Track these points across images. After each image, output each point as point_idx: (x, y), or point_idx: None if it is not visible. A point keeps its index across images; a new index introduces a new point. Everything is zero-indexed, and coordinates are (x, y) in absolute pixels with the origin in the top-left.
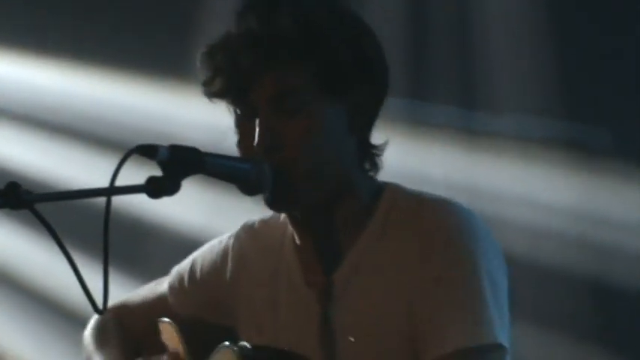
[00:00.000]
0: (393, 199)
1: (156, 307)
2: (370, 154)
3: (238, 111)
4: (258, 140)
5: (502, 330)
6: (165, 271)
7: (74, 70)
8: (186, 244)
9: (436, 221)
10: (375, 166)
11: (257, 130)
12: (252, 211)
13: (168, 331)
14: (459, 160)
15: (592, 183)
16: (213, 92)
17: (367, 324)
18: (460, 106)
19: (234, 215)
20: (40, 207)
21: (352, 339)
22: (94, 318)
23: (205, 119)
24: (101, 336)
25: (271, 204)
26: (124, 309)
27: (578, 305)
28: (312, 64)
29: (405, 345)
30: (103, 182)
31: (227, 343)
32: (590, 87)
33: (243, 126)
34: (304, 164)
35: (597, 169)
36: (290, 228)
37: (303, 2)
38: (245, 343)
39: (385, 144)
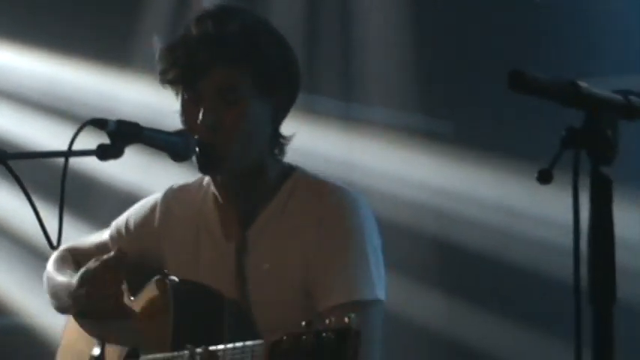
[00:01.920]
0: (298, 179)
1: (100, 251)
2: (280, 143)
3: (186, 96)
4: (203, 120)
5: (380, 287)
6: (106, 218)
7: (39, 54)
8: (125, 198)
9: (330, 201)
10: (283, 152)
11: (202, 112)
12: (177, 174)
13: None
14: (339, 142)
15: (439, 163)
16: (168, 80)
17: (272, 273)
18: (340, 99)
19: (163, 177)
20: (12, 163)
21: (267, 265)
22: (54, 253)
23: (144, 98)
24: (60, 262)
25: (202, 169)
26: (74, 250)
27: (423, 255)
28: (251, 67)
29: (299, 295)
30: (63, 146)
31: (158, 276)
32: (440, 87)
33: (188, 108)
34: (234, 143)
35: (443, 152)
36: (211, 190)
37: (248, 18)
38: (173, 277)
39: (292, 136)
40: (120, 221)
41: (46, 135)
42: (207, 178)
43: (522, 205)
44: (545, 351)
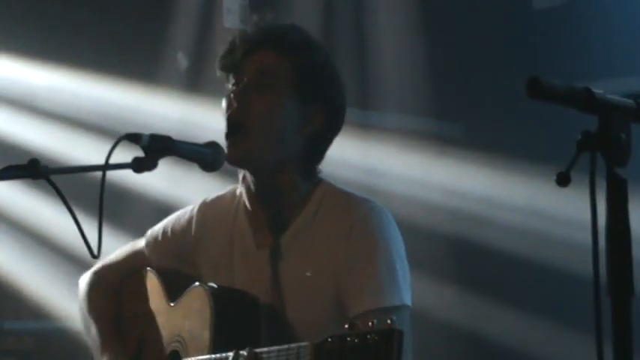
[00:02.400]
0: (326, 190)
1: (135, 259)
2: (314, 159)
3: (232, 82)
4: (235, 96)
5: (407, 294)
6: (141, 226)
7: (74, 74)
8: (158, 207)
9: (358, 212)
10: (313, 173)
11: (237, 89)
12: (207, 183)
13: (149, 277)
14: (357, 148)
15: (452, 165)
16: (222, 65)
17: (306, 279)
18: (357, 107)
19: (195, 187)
20: (53, 178)
21: (302, 271)
22: (87, 276)
23: (174, 112)
24: (90, 299)
25: (230, 159)
26: (102, 270)
27: (438, 253)
28: (295, 61)
29: (331, 302)
30: (100, 160)
31: (197, 283)
32: (450, 92)
33: (232, 93)
34: (257, 129)
35: (454, 154)
36: (242, 201)
37: (296, 27)
38: (212, 284)
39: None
40: (156, 230)
41: (84, 150)
42: (239, 189)
43: (535, 204)
44: (563, 342)
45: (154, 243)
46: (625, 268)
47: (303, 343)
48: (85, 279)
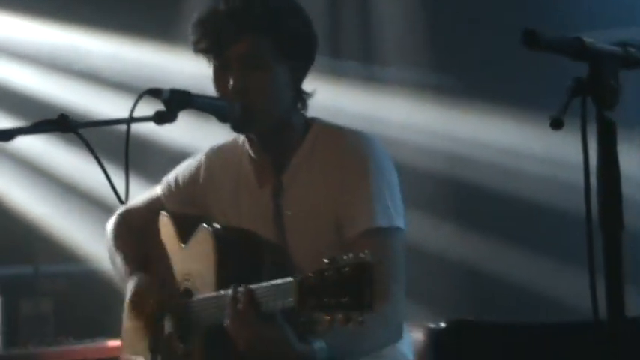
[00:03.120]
0: (319, 128)
1: (154, 204)
2: (302, 99)
3: (217, 64)
4: (233, 85)
5: (398, 217)
6: (162, 174)
7: (96, 34)
8: (177, 156)
9: (349, 144)
10: (305, 106)
11: (231, 78)
12: (221, 134)
13: (164, 221)
14: (361, 99)
15: (449, 113)
16: (200, 49)
17: (307, 210)
18: (361, 61)
19: (211, 137)
20: (81, 131)
21: (289, 213)
22: (111, 222)
23: (192, 69)
24: (117, 237)
25: (237, 128)
26: (128, 214)
27: (437, 193)
28: (273, 37)
29: (332, 226)
30: (124, 114)
31: (204, 224)
32: (447, 45)
33: (219, 74)
34: (261, 104)
35: (451, 103)
36: (245, 148)
37: None
38: (216, 224)
39: (313, 92)
40: (170, 178)
41: (109, 105)
42: (241, 138)
43: (529, 147)
44: (559, 275)
45: (168, 190)
46: (615, 204)
47: (288, 279)
48: (111, 220)
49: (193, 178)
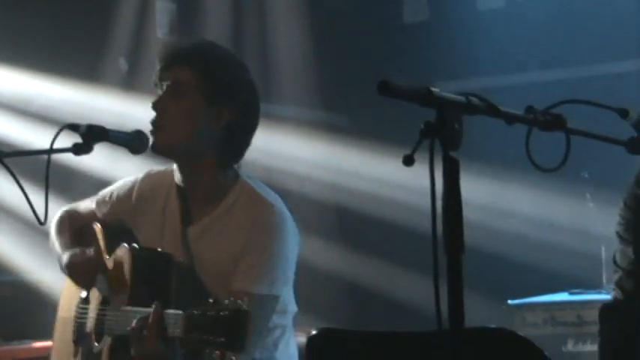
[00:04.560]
0: (242, 188)
1: (89, 213)
2: (230, 154)
3: (160, 92)
4: (154, 103)
5: (282, 287)
6: (80, 197)
7: (31, 74)
8: (94, 183)
9: (263, 212)
10: (236, 160)
11: (156, 97)
12: (135, 164)
13: (97, 229)
14: (261, 133)
15: (339, 150)
16: (153, 82)
17: (215, 254)
18: (262, 101)
19: (126, 166)
20: (7, 160)
21: (214, 251)
22: (57, 215)
23: (109, 106)
24: (59, 226)
25: (152, 149)
26: (72, 211)
27: (325, 218)
28: (201, 73)
29: (232, 268)
30: (46, 145)
31: (125, 243)
32: (337, 91)
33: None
34: (174, 127)
35: (339, 139)
36: (175, 180)
37: (206, 43)
38: (135, 244)
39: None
40: (105, 192)
41: (32, 136)
42: (175, 173)
43: (395, 178)
44: (415, 287)
45: (102, 203)
46: (457, 231)
47: (179, 312)
48: (58, 213)
49: (127, 196)
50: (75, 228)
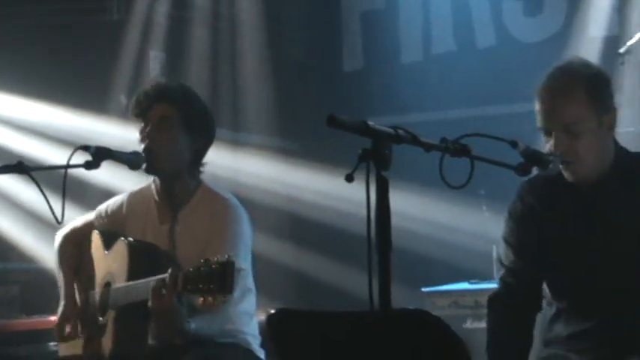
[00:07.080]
0: (204, 191)
1: (88, 225)
2: (198, 166)
3: (142, 123)
4: (146, 133)
5: (243, 262)
6: (90, 204)
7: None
8: (101, 192)
9: (221, 205)
10: (199, 172)
11: (148, 132)
12: (132, 178)
13: (95, 236)
14: (231, 157)
15: (292, 169)
16: (133, 114)
17: (190, 242)
18: (231, 129)
19: (126, 179)
20: (33, 173)
21: (188, 240)
22: (57, 242)
23: (114, 132)
24: (60, 256)
25: (147, 170)
26: (73, 230)
27: (281, 222)
28: (181, 109)
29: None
30: (63, 162)
31: (121, 237)
32: (292, 121)
33: (142, 130)
34: (163, 155)
35: (293, 162)
36: (152, 194)
37: (178, 84)
38: (130, 238)
39: (206, 163)
40: (101, 208)
41: (54, 155)
42: (152, 186)
43: (338, 192)
44: (349, 275)
45: (99, 216)
46: (386, 233)
47: (177, 271)
48: (58, 238)
49: (119, 209)
50: (75, 245)
